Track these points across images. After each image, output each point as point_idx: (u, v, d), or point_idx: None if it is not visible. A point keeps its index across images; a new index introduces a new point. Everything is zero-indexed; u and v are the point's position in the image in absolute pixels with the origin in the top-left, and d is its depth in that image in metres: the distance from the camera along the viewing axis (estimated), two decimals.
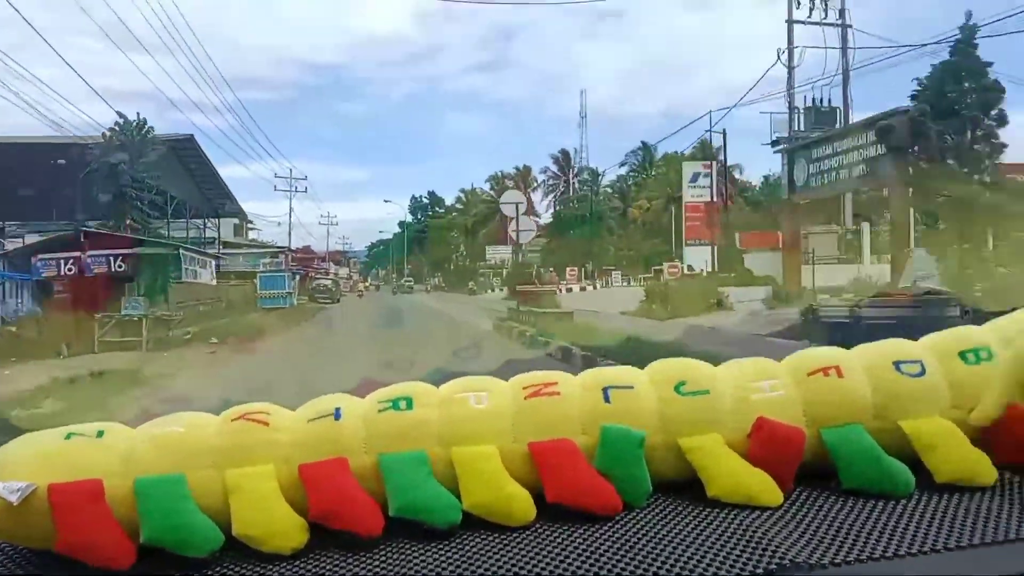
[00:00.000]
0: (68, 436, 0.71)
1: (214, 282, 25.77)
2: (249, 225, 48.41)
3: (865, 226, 22.07)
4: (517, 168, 63.35)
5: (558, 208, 59.28)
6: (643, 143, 58.66)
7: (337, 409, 0.74)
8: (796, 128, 22.50)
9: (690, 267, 31.27)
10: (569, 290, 33.59)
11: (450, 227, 67.47)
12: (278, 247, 38.84)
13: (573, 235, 51.46)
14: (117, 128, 25.67)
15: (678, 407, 0.74)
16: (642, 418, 0.73)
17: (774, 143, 24.05)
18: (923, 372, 0.76)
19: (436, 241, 68.92)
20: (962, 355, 0.78)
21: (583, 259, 43.57)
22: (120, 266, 18.54)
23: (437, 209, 73.85)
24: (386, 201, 71.52)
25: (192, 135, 27.03)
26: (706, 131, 31.89)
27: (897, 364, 0.77)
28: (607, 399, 0.74)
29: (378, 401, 0.75)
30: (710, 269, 30.84)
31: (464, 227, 65.76)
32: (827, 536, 0.65)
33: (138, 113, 26.90)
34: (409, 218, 71.78)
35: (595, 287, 34.68)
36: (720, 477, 0.72)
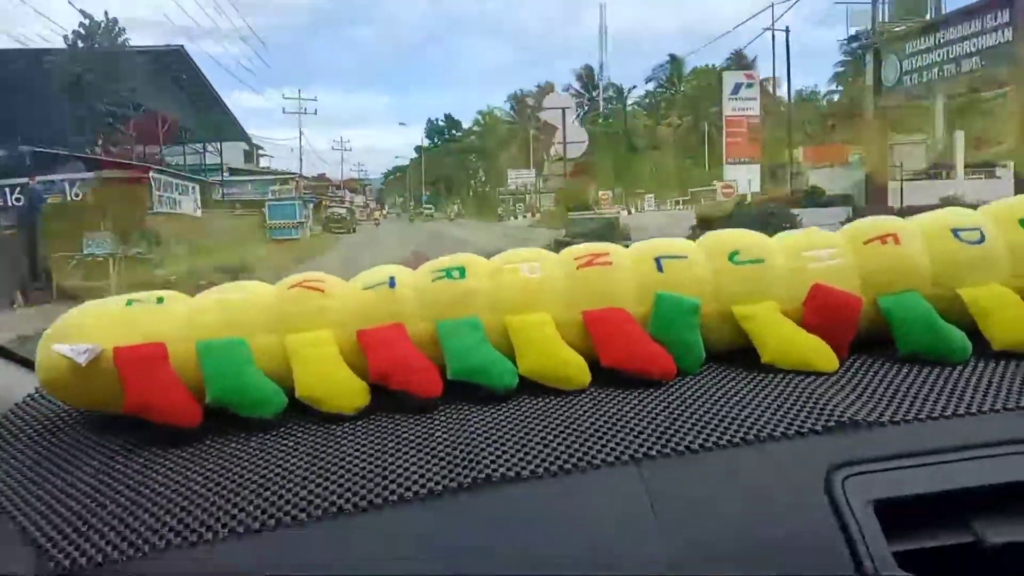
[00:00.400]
0: (129, 303, 0.72)
1: (197, 212, 22.21)
2: (260, 152, 46.10)
3: (959, 135, 19.01)
4: (539, 85, 59.67)
5: (585, 127, 56.10)
6: (671, 56, 54.74)
7: (392, 278, 0.74)
8: (880, 20, 19.25)
9: (729, 186, 28.46)
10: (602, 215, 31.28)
11: (468, 151, 64.51)
12: (289, 173, 36.45)
13: (601, 156, 48.47)
14: (82, 31, 21.44)
15: (732, 276, 0.74)
16: (695, 287, 0.73)
17: (851, 39, 20.81)
18: (982, 239, 0.75)
19: (454, 166, 66.10)
20: (1023, 222, 0.76)
21: (613, 182, 40.77)
22: (77, 194, 15.56)
23: (454, 133, 70.66)
24: (401, 124, 68.12)
25: (181, 46, 23.92)
26: (766, 28, 28.46)
27: (956, 232, 0.75)
28: (660, 268, 0.74)
29: (431, 271, 0.75)
30: (755, 190, 28.07)
31: (483, 151, 62.72)
32: (884, 396, 0.65)
33: (106, 12, 22.62)
34: (426, 143, 68.62)
35: (629, 212, 32.03)
36: (775, 343, 0.71)
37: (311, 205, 38.50)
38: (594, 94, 57.47)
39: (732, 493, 0.56)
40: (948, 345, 0.72)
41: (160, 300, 0.73)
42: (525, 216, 43.52)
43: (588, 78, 57.87)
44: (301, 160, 46.45)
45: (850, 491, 0.55)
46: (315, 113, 49.07)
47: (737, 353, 0.74)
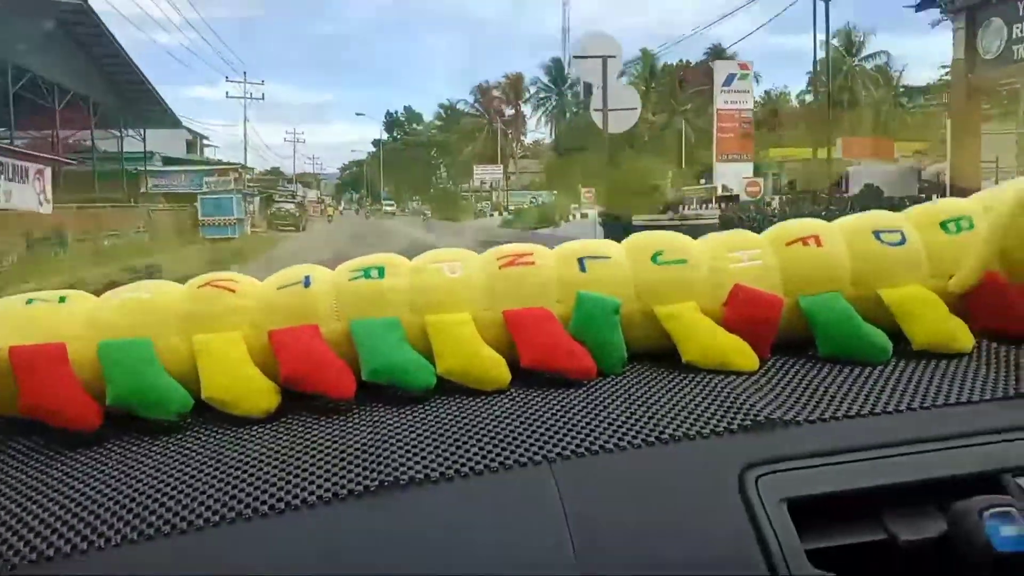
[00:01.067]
0: (29, 302, 0.70)
1: (46, 208, 16.13)
2: (205, 142, 42.20)
3: None
4: (507, 75, 56.47)
5: (559, 121, 52.80)
6: (642, 50, 52.16)
7: (307, 277, 0.72)
8: None
9: (725, 188, 25.75)
10: (585, 216, 28.07)
11: (430, 145, 61.07)
12: (228, 164, 32.41)
13: (573, 153, 45.60)
14: None
15: (654, 276, 0.74)
16: (618, 287, 0.73)
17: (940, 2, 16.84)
18: (903, 241, 0.76)
19: (415, 161, 62.66)
20: (943, 225, 0.77)
21: (590, 181, 37.82)
22: None
23: (415, 126, 67.13)
24: (359, 114, 63.70)
25: (84, 2, 18.76)
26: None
27: (877, 233, 0.76)
28: (583, 268, 0.73)
29: (349, 270, 0.73)
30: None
31: (446, 145, 59.41)
32: (803, 396, 0.66)
33: None
34: (384, 136, 64.89)
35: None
36: (695, 342, 0.71)
37: (256, 200, 35.03)
38: (563, 88, 54.59)
39: (645, 493, 0.56)
40: (869, 345, 0.72)
41: (62, 299, 0.70)
42: (492, 215, 40.63)
43: (558, 72, 55.00)
44: (246, 149, 42.49)
45: (763, 490, 0.55)
46: (262, 98, 44.90)
47: (659, 354, 0.73)
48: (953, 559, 0.53)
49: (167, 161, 29.64)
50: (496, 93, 54.58)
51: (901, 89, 48.82)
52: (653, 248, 0.75)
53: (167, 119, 27.16)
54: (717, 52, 48.22)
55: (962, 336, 0.73)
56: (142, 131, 26.35)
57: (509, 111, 55.98)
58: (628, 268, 0.74)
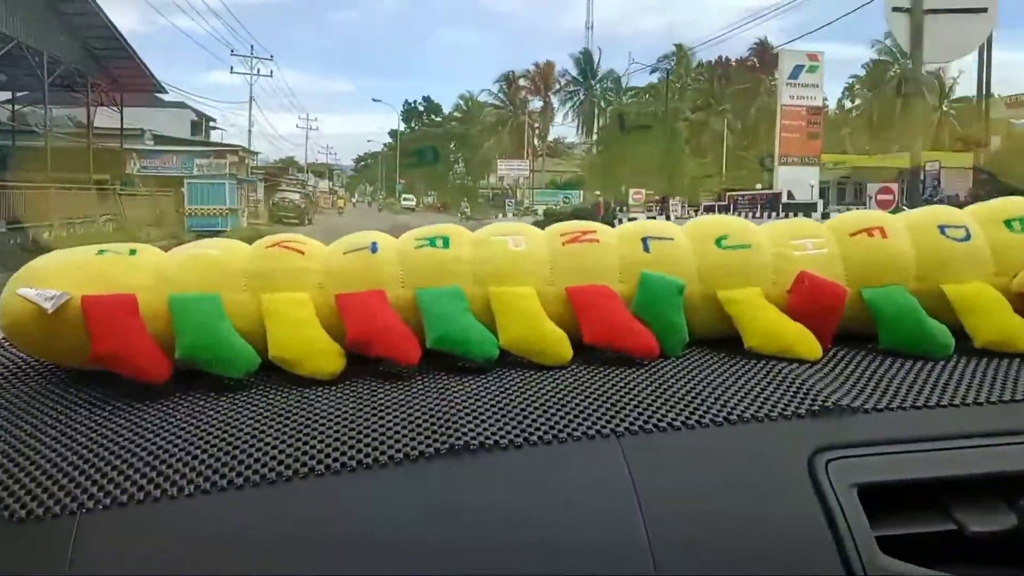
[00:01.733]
0: (101, 252, 0.70)
1: None
2: (213, 124, 39.31)
3: None
4: (536, 64, 53.08)
5: (612, 110, 49.14)
6: (677, 46, 48.67)
7: (373, 243, 0.72)
8: None
9: (791, 195, 22.34)
10: (632, 220, 24.73)
11: (449, 137, 57.84)
12: (226, 145, 29.32)
13: (613, 151, 42.14)
14: None
15: (718, 259, 0.74)
16: (681, 269, 0.73)
17: None
18: (968, 237, 0.76)
19: (433, 154, 59.59)
20: (1007, 223, 0.77)
21: (638, 179, 34.22)
22: None
23: (434, 117, 64.05)
24: (375, 100, 60.63)
25: None
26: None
27: (942, 228, 0.76)
28: (646, 248, 0.73)
29: (415, 239, 0.74)
30: (816, 198, 22.00)
31: (466, 138, 56.18)
32: (868, 385, 0.66)
33: None
34: (402, 127, 61.75)
35: (668, 216, 25.75)
36: (758, 328, 0.71)
37: (260, 188, 32.03)
38: (592, 82, 51.25)
39: (713, 472, 0.56)
40: (931, 340, 0.72)
41: (133, 252, 0.71)
42: (515, 214, 37.40)
43: (587, 63, 51.68)
44: (250, 130, 39.41)
45: (833, 474, 0.55)
46: (270, 75, 41.89)
47: (719, 339, 0.73)
48: (1023, 553, 0.53)
49: (159, 140, 26.49)
50: (523, 83, 51.26)
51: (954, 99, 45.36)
52: (717, 232, 0.75)
53: (146, 84, 22.23)
54: (763, 47, 44.83)
55: None
56: (118, 98, 21.43)
57: (536, 103, 52.64)
58: (691, 251, 0.74)
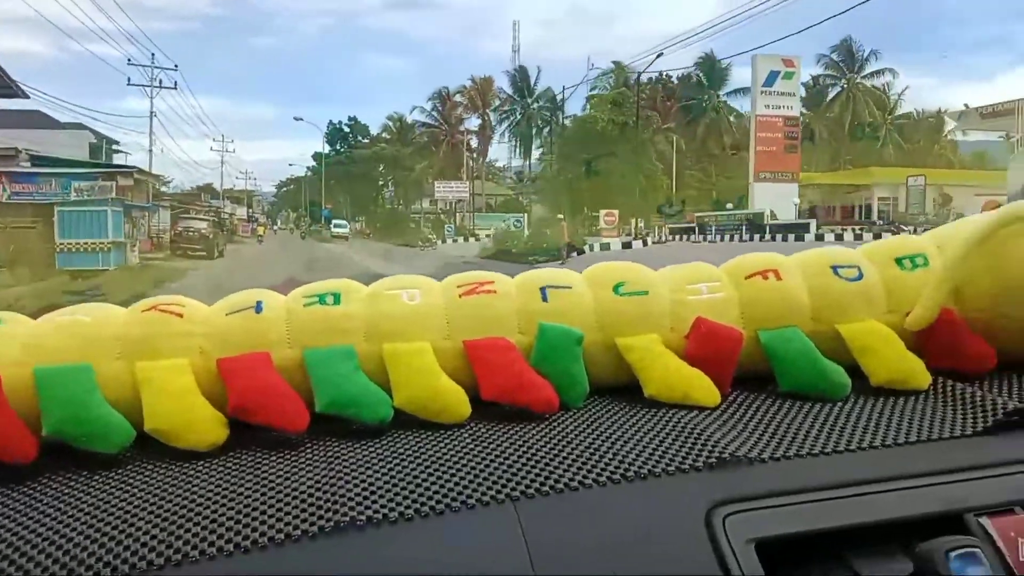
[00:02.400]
0: None
1: None
2: (115, 148, 34.72)
3: None
4: (473, 79, 50.14)
5: (541, 132, 46.36)
6: (615, 63, 46.67)
7: (259, 302, 0.69)
8: None
9: (774, 214, 19.89)
10: (605, 247, 21.58)
11: (377, 159, 54.23)
12: (115, 166, 24.75)
13: (565, 169, 39.27)
14: None
15: (616, 307, 0.73)
16: (580, 317, 0.72)
17: None
18: (860, 276, 0.76)
19: (360, 177, 55.86)
20: (899, 261, 0.78)
21: (595, 202, 31.18)
22: None
23: (360, 139, 60.39)
24: (297, 119, 56.09)
25: None
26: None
27: (835, 268, 0.77)
28: (544, 298, 0.72)
29: (303, 296, 0.71)
30: (795, 218, 19.62)
31: (396, 160, 52.71)
32: (766, 433, 0.65)
33: None
34: (326, 149, 57.75)
35: (644, 242, 22.37)
36: (657, 376, 0.71)
37: (162, 214, 27.79)
38: (528, 100, 48.78)
39: (611, 532, 0.55)
40: (827, 381, 0.72)
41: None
42: (456, 240, 34.08)
43: (523, 80, 49.21)
44: (151, 150, 34.97)
45: (731, 529, 0.55)
46: (174, 87, 37.59)
47: (620, 388, 0.73)
48: None
49: (39, 162, 22.19)
50: (459, 99, 48.27)
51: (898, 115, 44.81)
52: (615, 279, 0.74)
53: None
54: (709, 61, 43.24)
55: (919, 373, 0.73)
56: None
57: (474, 120, 49.68)
58: (590, 299, 0.73)
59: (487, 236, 30.14)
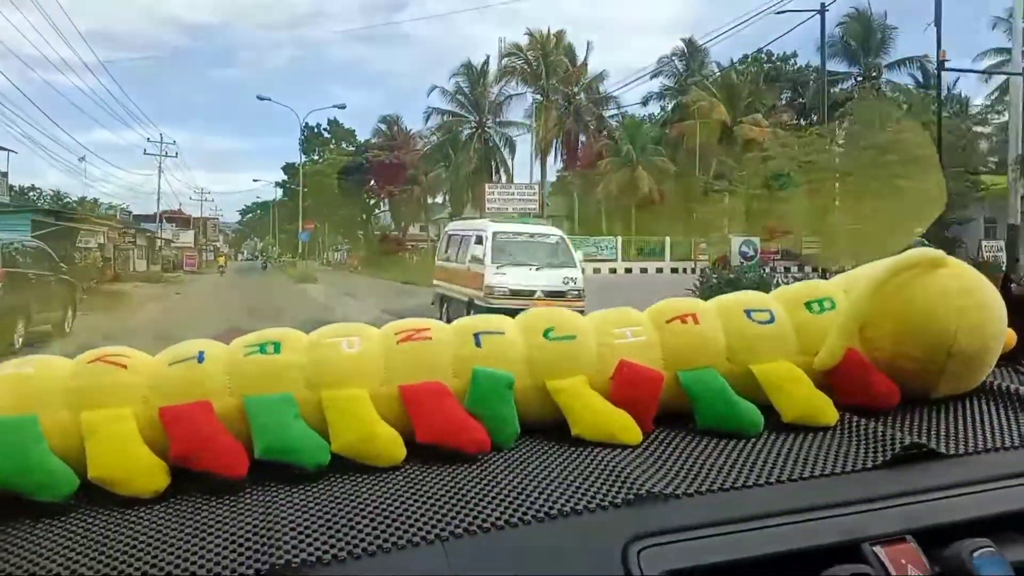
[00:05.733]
0: None
1: None
2: None
3: None
4: (530, 33, 36.15)
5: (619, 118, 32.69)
6: (686, 40, 34.49)
7: (200, 352, 0.72)
8: None
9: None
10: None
11: (367, 171, 41.15)
12: None
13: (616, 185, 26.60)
14: None
15: (546, 351, 0.77)
16: (511, 362, 0.76)
17: None
18: (772, 320, 0.81)
19: (345, 192, 42.93)
20: (808, 305, 0.83)
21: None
22: None
23: (344, 145, 47.51)
24: (261, 98, 42.38)
25: None
26: None
27: (748, 312, 0.81)
28: (478, 344, 0.76)
29: (244, 345, 0.73)
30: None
31: (387, 168, 39.71)
32: (683, 469, 0.69)
33: None
34: (301, 160, 44.48)
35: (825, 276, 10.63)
36: (584, 416, 0.74)
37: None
38: (575, 88, 36.09)
39: (534, 568, 0.57)
40: (742, 419, 0.76)
41: None
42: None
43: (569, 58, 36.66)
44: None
45: (645, 563, 0.57)
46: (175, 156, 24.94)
47: (551, 428, 0.76)
48: None
49: None
50: (513, 62, 34.42)
51: None
52: (545, 324, 0.78)
53: None
54: (862, 19, 31.11)
55: (827, 410, 0.78)
56: None
57: (528, 95, 36.24)
58: (521, 344, 0.77)
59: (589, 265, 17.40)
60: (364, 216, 46.33)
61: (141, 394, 0.68)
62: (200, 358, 0.70)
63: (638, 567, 0.56)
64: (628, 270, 26.22)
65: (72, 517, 0.61)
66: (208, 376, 0.69)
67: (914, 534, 0.62)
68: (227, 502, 0.63)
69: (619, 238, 27.86)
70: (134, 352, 0.72)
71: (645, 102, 35.22)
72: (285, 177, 49.76)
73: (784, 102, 33.42)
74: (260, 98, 41.45)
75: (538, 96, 33.46)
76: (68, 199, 35.68)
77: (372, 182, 41.65)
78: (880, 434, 0.74)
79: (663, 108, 34.54)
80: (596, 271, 25.60)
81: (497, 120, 35.39)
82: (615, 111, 35.13)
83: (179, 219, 46.23)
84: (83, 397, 0.67)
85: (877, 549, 0.60)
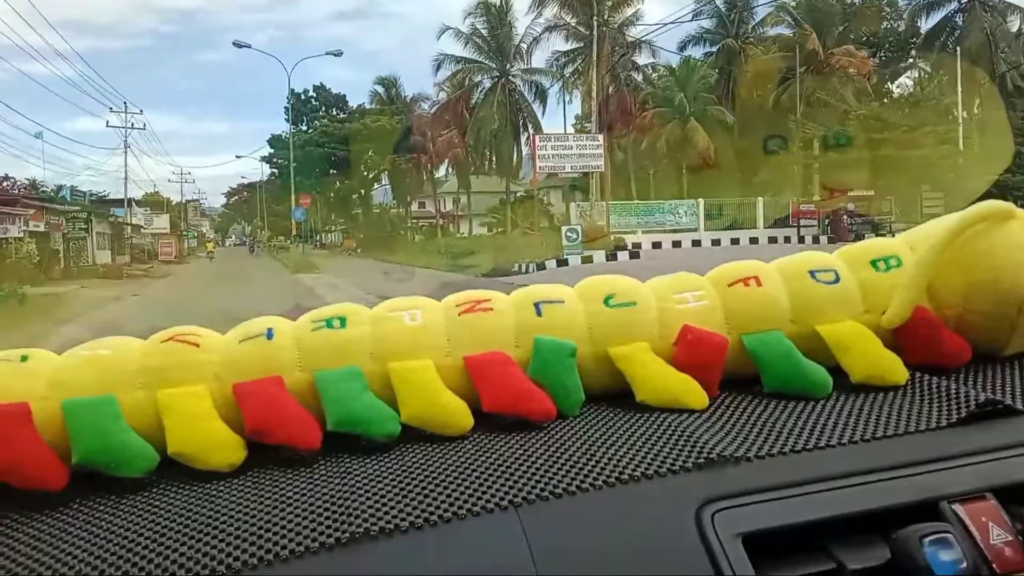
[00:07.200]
0: None
1: None
2: None
3: None
4: None
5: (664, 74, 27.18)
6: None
7: (269, 330, 0.73)
8: None
9: None
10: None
11: (368, 138, 35.92)
12: None
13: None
14: None
15: (607, 318, 0.77)
16: (573, 330, 0.76)
17: None
18: (837, 280, 0.80)
19: (339, 165, 37.78)
20: (873, 263, 0.82)
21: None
22: None
23: (335, 112, 42.25)
24: (238, 44, 37.19)
25: None
26: None
27: (813, 272, 0.80)
28: (539, 313, 0.76)
29: (311, 321, 0.75)
30: None
31: (388, 135, 34.55)
32: (752, 432, 0.68)
33: None
34: (290, 130, 39.16)
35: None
36: (648, 382, 0.74)
37: None
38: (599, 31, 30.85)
39: (607, 533, 0.58)
40: (810, 380, 0.76)
41: (24, 358, 0.70)
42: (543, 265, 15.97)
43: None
44: None
45: (719, 525, 0.58)
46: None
47: (615, 395, 0.77)
48: None
49: None
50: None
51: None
52: (605, 292, 0.78)
53: None
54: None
55: (897, 368, 0.76)
56: None
57: (561, 43, 30.65)
58: (582, 312, 0.77)
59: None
60: (364, 191, 41.24)
61: (214, 371, 0.70)
62: (269, 335, 0.72)
63: (712, 530, 0.57)
64: (715, 241, 21.17)
65: (154, 492, 0.63)
66: (278, 352, 0.71)
67: (993, 491, 0.61)
68: (303, 474, 0.64)
69: (701, 200, 22.73)
70: (205, 331, 0.73)
71: (683, 47, 30.09)
72: (272, 150, 44.45)
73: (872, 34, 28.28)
74: (237, 44, 35.97)
75: (581, 28, 28.10)
76: None
77: (371, 152, 36.54)
78: (953, 392, 0.73)
79: (707, 54, 29.40)
80: (676, 244, 20.44)
81: (524, 68, 30.08)
82: (650, 60, 29.93)
83: (153, 202, 40.99)
84: (159, 376, 0.69)
85: (956, 507, 0.59)
